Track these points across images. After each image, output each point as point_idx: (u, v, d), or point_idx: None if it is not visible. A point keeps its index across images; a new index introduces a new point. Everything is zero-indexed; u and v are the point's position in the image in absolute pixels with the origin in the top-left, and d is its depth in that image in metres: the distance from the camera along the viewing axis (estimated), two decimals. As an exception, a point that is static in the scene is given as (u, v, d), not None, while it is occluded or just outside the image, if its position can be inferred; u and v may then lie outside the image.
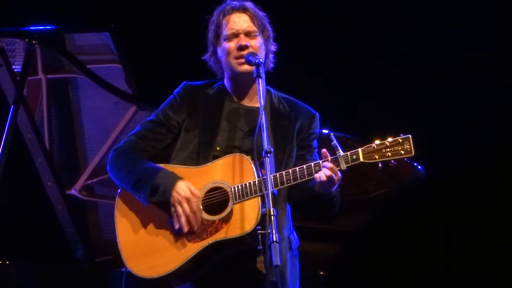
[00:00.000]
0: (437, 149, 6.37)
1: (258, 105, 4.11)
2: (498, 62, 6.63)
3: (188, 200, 3.99)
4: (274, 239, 3.66)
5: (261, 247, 3.83)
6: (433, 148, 6.25)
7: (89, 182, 5.95)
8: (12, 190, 5.81)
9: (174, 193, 4.01)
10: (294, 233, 4.21)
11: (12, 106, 5.45)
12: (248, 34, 4.16)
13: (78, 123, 5.94)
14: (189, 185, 4.02)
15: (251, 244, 3.92)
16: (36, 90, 5.82)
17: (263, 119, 3.87)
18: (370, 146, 3.95)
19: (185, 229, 3.99)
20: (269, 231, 3.69)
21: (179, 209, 4.00)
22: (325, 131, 5.32)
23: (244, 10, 4.21)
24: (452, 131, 6.72)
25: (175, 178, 4.04)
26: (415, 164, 5.62)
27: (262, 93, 3.97)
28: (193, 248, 4.00)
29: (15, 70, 5.58)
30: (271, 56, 4.25)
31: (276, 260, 3.62)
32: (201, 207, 4.03)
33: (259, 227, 3.87)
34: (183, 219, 3.99)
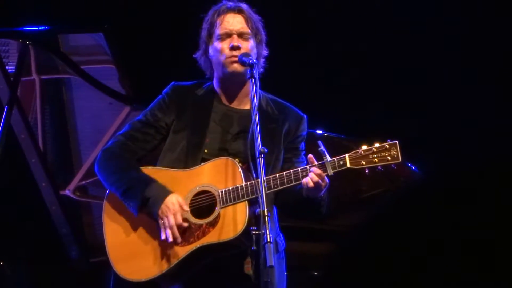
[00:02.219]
0: (432, 150, 6.38)
1: (247, 107, 4.12)
2: (498, 63, 6.64)
3: (175, 213, 3.99)
4: (268, 240, 3.66)
5: (255, 248, 3.82)
6: (428, 149, 6.27)
7: (83, 182, 5.95)
8: (6, 190, 5.81)
9: (163, 206, 4.01)
10: (281, 235, 4.20)
11: (6, 107, 5.45)
12: (241, 35, 4.15)
13: (72, 124, 5.94)
14: (178, 199, 4.02)
15: (238, 248, 3.93)
16: (30, 91, 5.82)
17: (257, 120, 3.86)
18: (357, 152, 3.94)
19: (169, 240, 3.99)
20: (262, 231, 3.69)
21: (166, 221, 4.00)
22: (318, 131, 5.33)
23: (239, 11, 4.19)
24: (449, 132, 6.73)
25: (165, 192, 4.04)
26: (409, 164, 5.63)
27: (256, 95, 3.95)
28: (180, 252, 4.00)
29: (8, 70, 5.58)
30: (262, 60, 4.23)
31: (270, 261, 3.62)
32: (189, 211, 4.03)
33: (255, 228, 3.86)
34: (167, 231, 4.00)
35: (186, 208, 4.02)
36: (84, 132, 5.94)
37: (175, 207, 4.00)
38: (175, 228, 3.99)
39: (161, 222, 4.02)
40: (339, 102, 6.84)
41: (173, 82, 4.31)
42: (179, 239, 3.99)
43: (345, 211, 5.54)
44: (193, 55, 4.28)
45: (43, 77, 5.84)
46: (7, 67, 5.59)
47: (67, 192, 5.92)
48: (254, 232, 3.84)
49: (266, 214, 3.71)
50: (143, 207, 4.05)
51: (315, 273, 5.24)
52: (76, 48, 5.84)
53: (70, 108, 5.93)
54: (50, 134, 5.93)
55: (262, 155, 3.81)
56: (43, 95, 5.85)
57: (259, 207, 3.76)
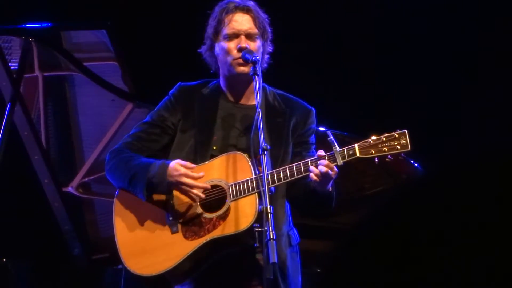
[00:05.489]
0: (434, 146, 6.38)
1: (253, 103, 4.12)
2: (497, 61, 6.64)
3: (185, 175, 3.99)
4: (271, 237, 3.66)
5: (258, 245, 3.83)
6: (431, 145, 6.27)
7: (86, 179, 5.94)
8: (8, 187, 5.81)
9: (169, 178, 4.01)
10: (294, 229, 4.20)
11: (8, 104, 5.45)
12: (248, 36, 4.13)
13: (74, 121, 5.94)
14: (179, 162, 4.02)
15: (249, 241, 3.92)
16: (33, 88, 5.82)
17: (259, 116, 3.87)
18: (367, 142, 3.96)
19: (201, 196, 3.99)
20: (266, 228, 3.69)
21: (184, 187, 4.00)
22: (322, 128, 5.33)
23: (247, 10, 4.17)
24: (451, 128, 6.73)
25: (165, 164, 4.04)
26: (412, 161, 5.63)
27: (259, 91, 3.96)
28: (191, 246, 4.00)
29: (11, 67, 5.58)
30: (266, 56, 4.23)
31: (273, 258, 3.62)
32: (199, 206, 4.03)
33: (258, 224, 3.87)
34: (192, 191, 4.00)
35: (190, 165, 4.01)
36: (87, 129, 5.94)
37: (181, 171, 4.00)
38: (197, 184, 3.98)
39: (179, 192, 4.02)
40: (341, 99, 6.84)
41: (179, 83, 4.31)
42: (208, 186, 4.00)
43: (348, 208, 5.54)
44: (198, 50, 4.28)
45: (46, 74, 5.84)
46: (10, 64, 5.58)
47: (69, 189, 5.92)
48: (257, 229, 3.84)
49: (269, 211, 3.71)
50: (150, 189, 4.05)
51: (318, 270, 5.25)
52: (78, 45, 5.85)
53: (73, 105, 5.93)
54: (52, 131, 5.92)
55: (265, 152, 3.82)
56: (46, 92, 5.85)
57: (262, 204, 3.77)
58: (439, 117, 6.79)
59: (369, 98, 6.87)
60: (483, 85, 6.69)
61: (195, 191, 4.00)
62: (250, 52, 4.07)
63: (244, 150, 4.07)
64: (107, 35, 5.71)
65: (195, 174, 4.00)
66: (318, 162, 3.92)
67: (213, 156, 4.09)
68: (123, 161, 4.14)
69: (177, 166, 4.01)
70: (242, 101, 4.21)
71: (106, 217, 5.72)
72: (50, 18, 5.94)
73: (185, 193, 4.02)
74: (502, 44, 6.64)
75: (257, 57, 4.03)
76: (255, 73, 4.00)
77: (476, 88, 6.70)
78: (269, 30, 4.22)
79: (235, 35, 4.13)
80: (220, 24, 4.16)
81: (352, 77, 6.92)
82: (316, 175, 3.90)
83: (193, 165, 4.03)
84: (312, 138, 4.24)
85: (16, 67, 5.59)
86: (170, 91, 4.30)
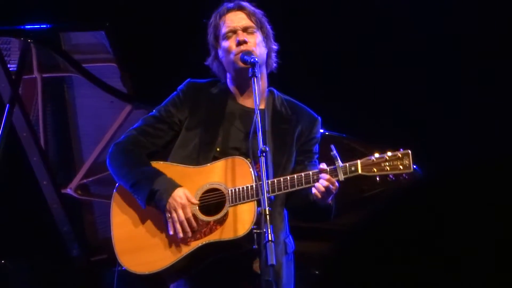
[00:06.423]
0: (434, 147, 6.38)
1: (260, 107, 4.08)
2: (497, 61, 6.63)
3: (183, 207, 3.98)
4: (270, 239, 3.66)
5: (256, 247, 3.82)
6: (430, 147, 6.27)
7: (85, 181, 5.95)
8: (7, 189, 5.81)
9: (170, 200, 3.99)
10: (290, 237, 4.19)
11: (7, 105, 5.45)
12: (245, 29, 4.13)
13: (73, 122, 5.94)
14: (186, 192, 4.00)
15: (245, 247, 3.92)
16: (32, 89, 5.82)
17: (258, 118, 3.85)
18: (370, 159, 3.93)
19: (179, 235, 3.98)
20: (264, 230, 3.68)
21: (174, 215, 3.98)
22: (320, 130, 5.33)
23: (240, 8, 4.19)
24: (449, 131, 6.72)
25: (173, 185, 4.02)
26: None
27: (258, 93, 3.93)
28: (186, 248, 3.99)
29: (10, 69, 5.57)
30: (273, 55, 4.22)
31: (271, 260, 3.61)
32: (197, 209, 4.02)
33: (256, 226, 3.86)
34: (177, 225, 3.98)
35: (194, 201, 4.00)
36: (86, 131, 5.94)
37: (182, 201, 3.98)
38: (185, 223, 3.97)
39: (168, 216, 4.00)
40: (340, 101, 6.84)
41: (188, 79, 4.28)
42: (190, 234, 3.98)
43: (346, 210, 5.53)
44: (205, 63, 4.26)
45: (44, 75, 5.84)
46: (8, 65, 5.58)
47: (68, 190, 5.92)
48: (255, 231, 3.83)
49: (268, 212, 3.70)
50: (151, 200, 4.03)
51: (316, 272, 5.24)
52: (77, 46, 5.84)
53: (71, 106, 5.93)
54: (51, 132, 5.93)
55: (264, 154, 3.81)
56: (45, 93, 5.85)
57: (261, 206, 3.76)
58: (439, 117, 6.79)
59: (368, 98, 6.86)
60: (483, 85, 6.69)
61: (178, 226, 3.98)
62: (248, 53, 4.06)
63: (247, 154, 4.05)
64: (105, 36, 5.71)
65: (190, 214, 3.98)
66: (319, 176, 3.91)
67: (215, 158, 4.07)
68: (129, 160, 4.12)
69: (182, 194, 4.00)
70: (249, 104, 4.17)
71: (105, 218, 5.69)
72: (49, 19, 5.93)
73: (170, 220, 4.00)
74: (502, 44, 6.63)
75: (256, 59, 4.01)
76: (253, 75, 3.98)
77: (476, 88, 6.70)
78: (269, 26, 4.20)
79: (232, 32, 4.13)
80: (217, 28, 4.17)
81: (351, 77, 6.91)
82: (317, 189, 3.90)
83: (197, 202, 4.01)
84: (316, 148, 4.23)
85: (15, 68, 5.58)
86: (179, 87, 4.27)
